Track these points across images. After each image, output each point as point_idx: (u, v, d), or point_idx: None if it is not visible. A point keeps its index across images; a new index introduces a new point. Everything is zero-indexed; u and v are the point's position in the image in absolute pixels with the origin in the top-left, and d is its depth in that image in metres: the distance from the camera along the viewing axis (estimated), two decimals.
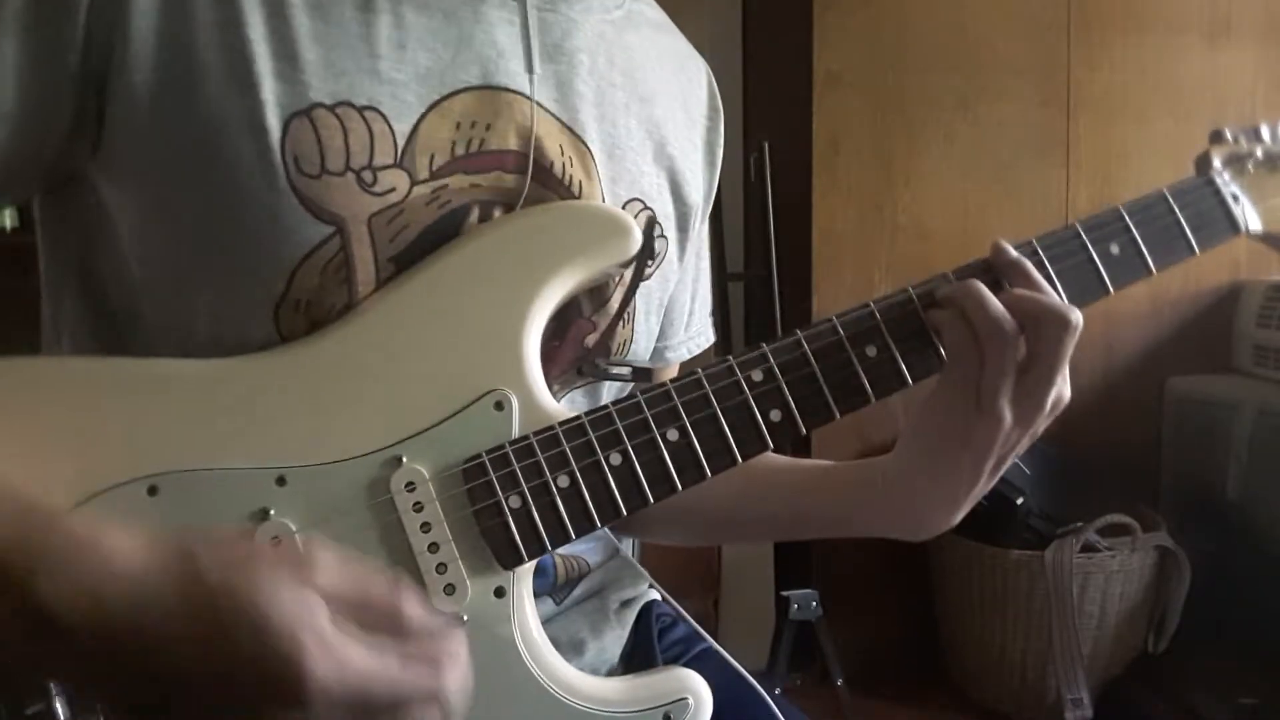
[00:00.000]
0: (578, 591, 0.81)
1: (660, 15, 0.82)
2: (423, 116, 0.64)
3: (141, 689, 0.49)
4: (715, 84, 0.86)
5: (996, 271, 0.68)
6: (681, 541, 0.99)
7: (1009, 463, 0.70)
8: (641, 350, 0.78)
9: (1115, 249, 0.70)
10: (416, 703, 0.51)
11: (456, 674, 0.52)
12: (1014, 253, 0.67)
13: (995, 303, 0.64)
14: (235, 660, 0.47)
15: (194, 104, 0.60)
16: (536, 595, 0.65)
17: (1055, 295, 0.66)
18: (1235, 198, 0.74)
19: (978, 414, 0.65)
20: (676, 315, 0.86)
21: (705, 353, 0.89)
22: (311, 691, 0.47)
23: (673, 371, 0.90)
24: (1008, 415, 0.65)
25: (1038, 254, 0.68)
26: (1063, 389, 0.66)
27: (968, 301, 0.65)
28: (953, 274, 0.68)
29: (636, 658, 0.83)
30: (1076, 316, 0.64)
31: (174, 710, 0.49)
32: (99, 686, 0.49)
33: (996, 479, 0.71)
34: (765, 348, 0.65)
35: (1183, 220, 0.72)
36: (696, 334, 0.90)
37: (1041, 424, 0.67)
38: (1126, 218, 0.70)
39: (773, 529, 0.96)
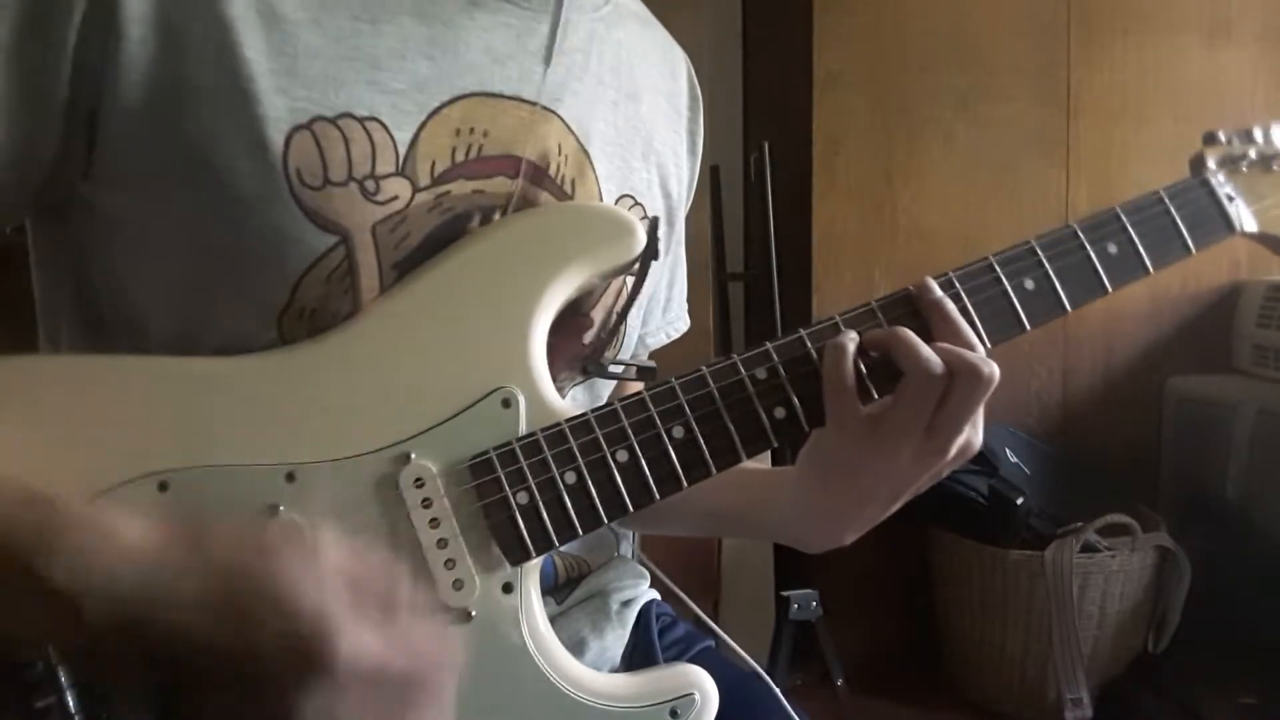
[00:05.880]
0: (579, 591, 0.82)
1: (640, 8, 0.83)
2: (423, 124, 0.64)
3: (153, 665, 0.49)
4: (694, 74, 0.87)
5: (921, 312, 0.66)
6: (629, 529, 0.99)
7: (908, 497, 0.68)
8: (633, 344, 0.79)
9: (1113, 249, 0.70)
10: (421, 689, 0.52)
11: (455, 671, 0.53)
12: (938, 292, 0.66)
13: (927, 350, 0.62)
14: (255, 635, 0.48)
15: (189, 125, 0.59)
16: None
17: (978, 345, 0.65)
18: (1230, 198, 0.75)
19: (875, 447, 0.64)
20: (654, 304, 0.87)
21: (700, 350, 0.90)
22: (337, 661, 0.48)
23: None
24: (905, 454, 0.64)
25: (1036, 254, 0.69)
26: (972, 437, 0.65)
27: (897, 346, 0.63)
28: (877, 304, 0.66)
29: (637, 657, 0.84)
30: (990, 370, 0.62)
31: (187, 689, 0.49)
32: (110, 664, 0.50)
33: (895, 508, 0.69)
34: (769, 346, 0.66)
35: (1179, 220, 0.73)
36: (675, 319, 0.91)
37: (945, 469, 0.66)
38: (1123, 218, 0.71)
39: (694, 523, 0.94)
